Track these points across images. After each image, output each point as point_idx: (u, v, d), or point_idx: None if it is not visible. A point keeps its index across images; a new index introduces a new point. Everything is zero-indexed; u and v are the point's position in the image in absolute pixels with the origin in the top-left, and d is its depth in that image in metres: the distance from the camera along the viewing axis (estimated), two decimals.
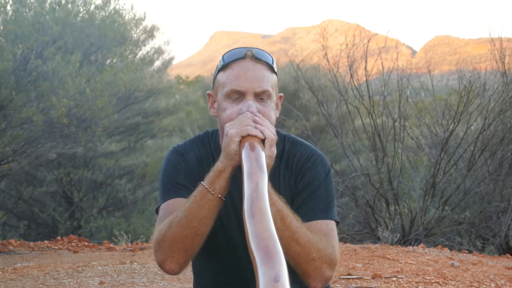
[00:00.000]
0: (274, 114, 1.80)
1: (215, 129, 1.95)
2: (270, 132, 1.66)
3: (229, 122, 1.71)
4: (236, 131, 1.64)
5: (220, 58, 1.83)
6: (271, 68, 1.80)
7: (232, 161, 1.66)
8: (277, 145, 1.76)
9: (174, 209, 1.75)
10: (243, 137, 1.64)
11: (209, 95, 1.89)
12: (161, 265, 1.73)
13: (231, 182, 1.71)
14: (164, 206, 1.82)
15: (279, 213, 1.63)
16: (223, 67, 1.80)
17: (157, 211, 1.86)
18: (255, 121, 1.67)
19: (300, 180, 1.85)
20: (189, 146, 1.92)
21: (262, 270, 1.13)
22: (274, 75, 1.82)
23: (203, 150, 1.91)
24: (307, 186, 1.83)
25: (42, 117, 6.80)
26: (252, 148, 1.60)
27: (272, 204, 1.42)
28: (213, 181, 1.68)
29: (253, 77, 1.75)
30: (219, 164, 1.68)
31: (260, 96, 1.76)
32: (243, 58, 1.78)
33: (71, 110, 7.04)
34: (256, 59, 1.78)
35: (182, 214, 1.69)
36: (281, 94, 1.89)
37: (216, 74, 1.83)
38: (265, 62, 1.79)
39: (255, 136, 1.64)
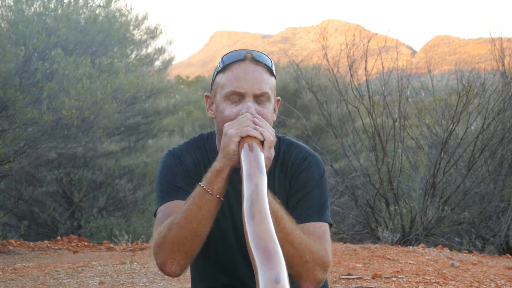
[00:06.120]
0: (272, 117, 1.80)
1: (210, 132, 1.94)
2: (270, 134, 1.66)
3: (228, 122, 1.70)
4: (236, 131, 1.64)
5: (219, 60, 1.82)
6: (270, 70, 1.80)
7: (230, 161, 1.65)
8: (274, 147, 1.75)
9: (173, 211, 1.74)
10: (242, 138, 1.64)
11: (207, 96, 1.88)
12: (162, 268, 1.71)
13: (228, 184, 1.70)
14: (162, 209, 1.81)
15: (274, 215, 1.60)
16: (223, 68, 1.79)
17: (155, 214, 1.84)
18: (254, 122, 1.66)
19: (295, 182, 1.84)
20: (185, 149, 1.90)
21: (262, 271, 1.12)
22: (273, 78, 1.81)
23: (199, 153, 1.90)
24: (301, 188, 1.83)
25: (51, 117, 6.80)
26: (251, 149, 1.59)
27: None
28: (211, 181, 1.67)
29: (253, 79, 1.75)
30: (216, 164, 1.67)
31: (260, 98, 1.76)
32: (243, 60, 1.77)
33: (76, 111, 7.04)
34: (256, 61, 1.77)
35: (181, 216, 1.68)
36: (279, 97, 1.89)
37: (215, 76, 1.82)
38: (265, 64, 1.79)
39: (255, 137, 1.63)
